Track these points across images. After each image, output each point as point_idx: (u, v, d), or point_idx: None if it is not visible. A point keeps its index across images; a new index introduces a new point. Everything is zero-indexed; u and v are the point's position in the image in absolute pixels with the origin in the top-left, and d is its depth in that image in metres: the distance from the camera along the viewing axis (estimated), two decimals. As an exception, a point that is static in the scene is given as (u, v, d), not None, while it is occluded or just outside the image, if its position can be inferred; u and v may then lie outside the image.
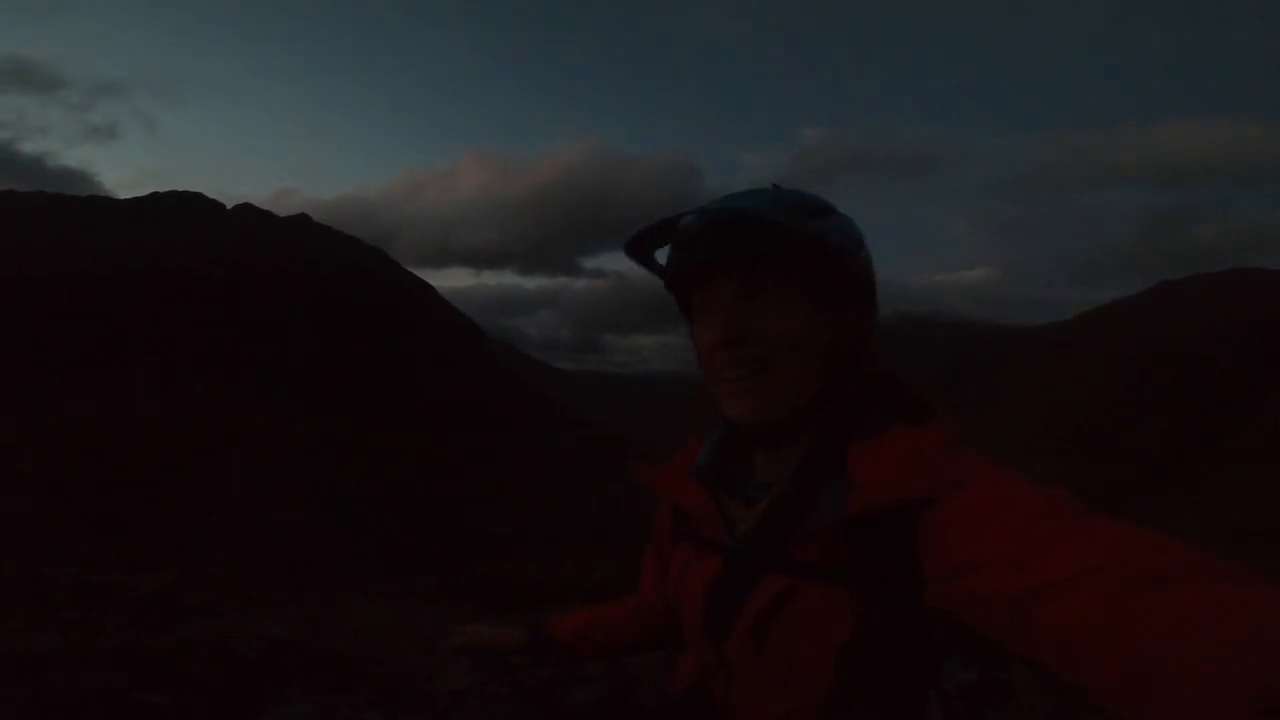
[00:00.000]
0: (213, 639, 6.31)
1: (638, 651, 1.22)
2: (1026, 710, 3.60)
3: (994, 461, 0.75)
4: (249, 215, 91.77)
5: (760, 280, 0.83)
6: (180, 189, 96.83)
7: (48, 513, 24.65)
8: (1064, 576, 0.57)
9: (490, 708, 3.19)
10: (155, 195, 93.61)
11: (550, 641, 1.19)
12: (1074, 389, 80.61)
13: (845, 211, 0.90)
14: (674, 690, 0.94)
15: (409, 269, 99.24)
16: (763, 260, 0.82)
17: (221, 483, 34.64)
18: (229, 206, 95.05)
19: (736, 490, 0.90)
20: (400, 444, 52.67)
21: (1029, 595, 0.59)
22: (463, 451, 56.55)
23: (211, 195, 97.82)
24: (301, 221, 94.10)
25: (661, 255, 0.94)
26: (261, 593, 9.64)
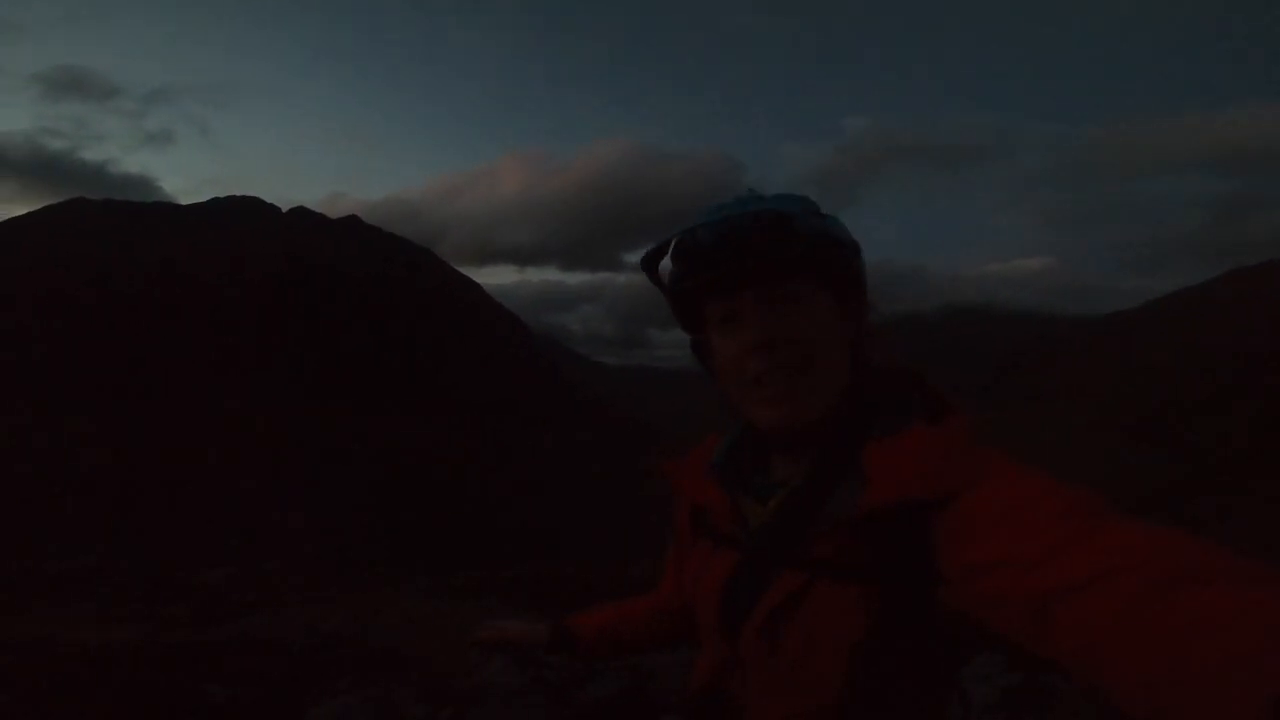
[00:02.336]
0: (270, 633, 6.67)
1: (657, 650, 1.21)
2: (1069, 714, 3.55)
3: (1016, 460, 0.73)
4: (304, 218, 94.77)
5: (784, 284, 0.82)
6: (238, 193, 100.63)
7: (122, 509, 26.05)
8: (1085, 577, 0.56)
9: (513, 701, 3.32)
10: (216, 200, 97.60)
11: (572, 639, 1.20)
12: (1138, 381, 76.93)
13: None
14: (691, 688, 0.94)
15: (454, 267, 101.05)
16: (787, 264, 0.82)
17: (279, 481, 35.99)
18: (284, 210, 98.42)
19: (752, 487, 0.89)
20: (447, 441, 53.75)
21: (1050, 596, 0.58)
22: (508, 448, 57.34)
23: (269, 200, 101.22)
24: (353, 223, 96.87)
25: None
26: (315, 588, 10.02)
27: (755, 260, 0.81)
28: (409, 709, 4.61)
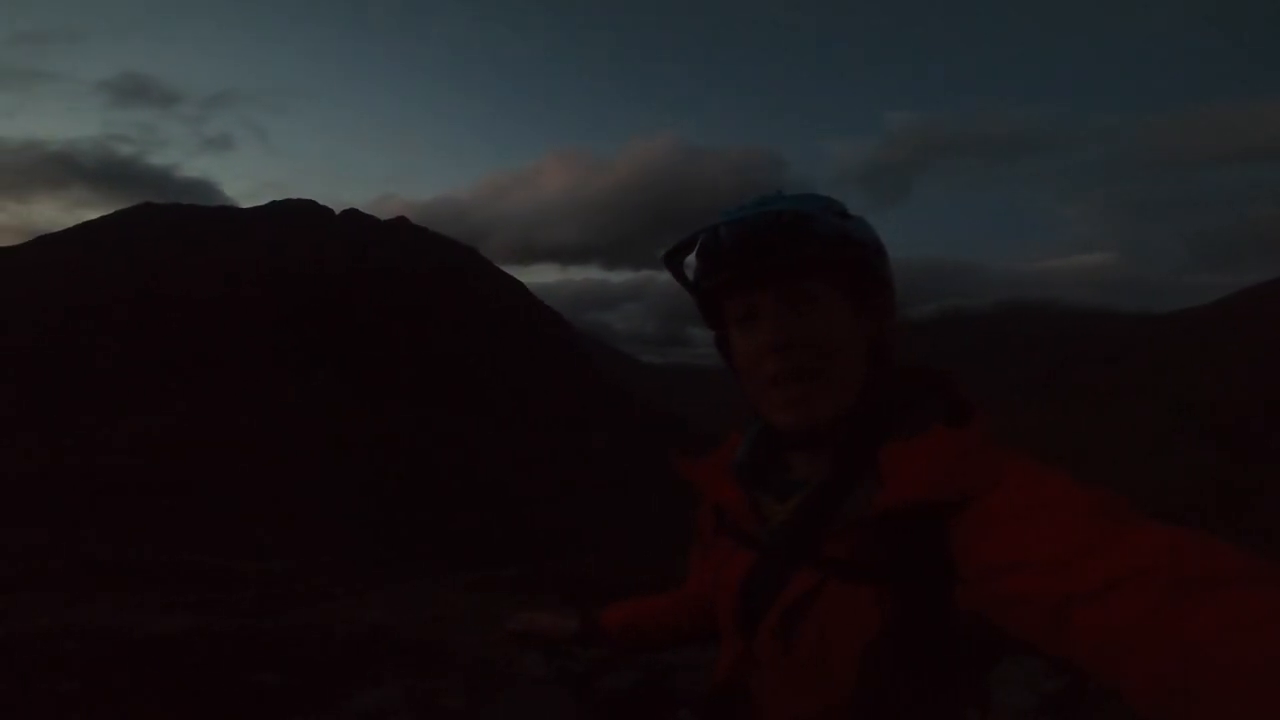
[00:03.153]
0: (318, 624, 6.92)
1: (681, 646, 1.22)
2: (1113, 715, 3.44)
3: (1038, 461, 0.72)
4: (356, 219, 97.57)
5: (802, 284, 0.82)
6: (295, 196, 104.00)
7: (182, 503, 27.27)
8: (1110, 580, 0.56)
9: (537, 691, 3.36)
10: (275, 204, 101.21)
11: (600, 631, 1.22)
12: (1207, 381, 73.18)
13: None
14: (711, 684, 0.94)
15: (498, 267, 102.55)
16: (806, 264, 0.81)
17: (328, 478, 37.14)
18: (338, 212, 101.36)
19: (771, 486, 0.89)
20: (491, 440, 54.61)
21: (1070, 598, 0.57)
22: (550, 447, 57.87)
23: (323, 202, 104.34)
24: (401, 224, 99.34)
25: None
26: (361, 582, 10.35)
27: (773, 260, 0.81)
28: (447, 699, 4.75)
